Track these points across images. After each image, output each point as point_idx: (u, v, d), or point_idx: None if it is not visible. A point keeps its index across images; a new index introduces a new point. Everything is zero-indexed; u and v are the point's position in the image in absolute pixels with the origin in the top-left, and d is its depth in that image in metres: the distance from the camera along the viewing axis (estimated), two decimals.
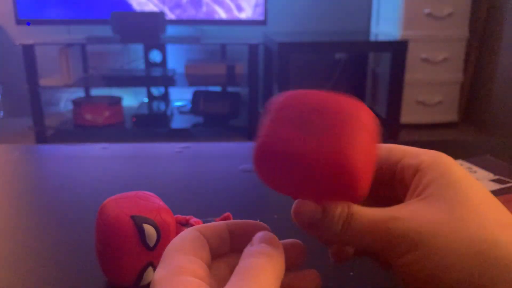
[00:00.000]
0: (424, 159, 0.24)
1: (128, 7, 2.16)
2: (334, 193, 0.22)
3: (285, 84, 2.01)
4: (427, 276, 0.21)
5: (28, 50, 1.99)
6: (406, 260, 0.22)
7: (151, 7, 2.16)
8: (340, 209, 0.22)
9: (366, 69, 2.55)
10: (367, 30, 2.50)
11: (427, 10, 2.17)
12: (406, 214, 0.22)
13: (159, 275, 0.20)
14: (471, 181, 0.23)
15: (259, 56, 2.14)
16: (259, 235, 0.22)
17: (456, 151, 0.53)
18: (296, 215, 0.23)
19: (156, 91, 2.42)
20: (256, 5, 2.18)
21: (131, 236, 0.27)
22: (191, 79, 2.21)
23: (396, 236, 0.22)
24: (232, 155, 0.56)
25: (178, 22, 2.19)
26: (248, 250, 0.21)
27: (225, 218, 0.33)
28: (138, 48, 2.43)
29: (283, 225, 0.37)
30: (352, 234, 0.22)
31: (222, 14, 2.18)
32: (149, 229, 0.27)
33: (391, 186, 0.25)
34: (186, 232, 0.23)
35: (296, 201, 0.23)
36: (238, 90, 2.29)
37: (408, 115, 2.27)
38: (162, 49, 2.32)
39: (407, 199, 0.24)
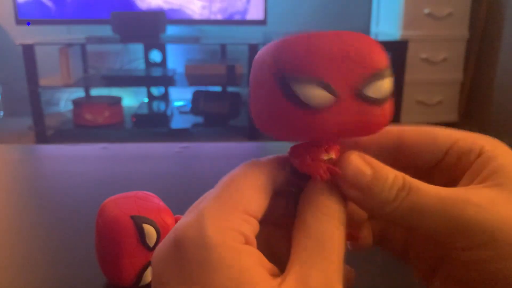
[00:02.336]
0: (485, 144, 0.21)
1: (128, 7, 2.16)
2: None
3: None
4: (500, 279, 0.18)
5: (28, 50, 1.99)
6: (478, 256, 0.18)
7: (152, 4, 2.16)
8: (393, 175, 0.19)
9: None
10: (367, 30, 2.50)
11: (427, 10, 2.17)
12: (484, 200, 0.18)
13: (211, 231, 0.16)
14: None
15: None
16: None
17: None
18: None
19: (156, 91, 2.42)
20: (256, 5, 2.18)
21: (131, 236, 0.27)
22: (191, 79, 2.21)
23: (472, 224, 0.18)
24: (232, 155, 0.56)
25: (178, 22, 2.19)
26: (317, 201, 0.19)
27: None
28: (138, 48, 2.43)
29: None
30: (408, 208, 0.18)
31: (222, 14, 2.18)
32: (149, 229, 0.27)
33: (429, 172, 0.22)
34: (252, 169, 0.20)
35: (342, 156, 0.20)
36: (238, 90, 2.29)
37: (408, 115, 2.27)
38: (162, 49, 2.32)
39: (464, 184, 0.20)
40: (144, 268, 0.28)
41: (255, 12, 2.19)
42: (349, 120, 0.18)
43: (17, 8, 2.09)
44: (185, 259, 0.16)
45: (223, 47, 2.37)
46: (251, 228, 0.18)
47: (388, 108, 0.19)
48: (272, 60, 0.18)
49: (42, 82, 2.08)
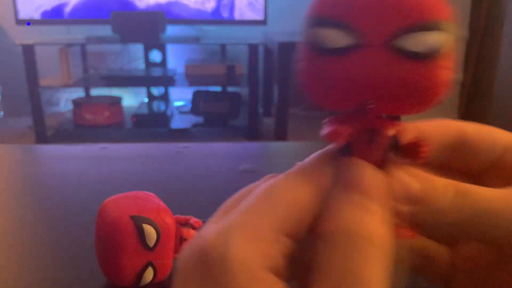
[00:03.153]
0: None
1: (128, 7, 2.16)
2: None
3: (285, 84, 2.01)
4: None
5: (28, 50, 1.99)
6: None
7: (151, 4, 2.16)
8: (442, 182, 0.17)
9: None
10: None
11: None
12: None
13: (240, 253, 0.15)
14: None
15: (259, 56, 2.14)
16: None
17: None
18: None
19: (156, 91, 2.42)
20: (255, 5, 2.18)
21: (130, 236, 0.27)
22: (191, 79, 2.21)
23: None
24: (232, 155, 0.56)
25: (178, 22, 2.19)
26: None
27: None
28: (138, 48, 2.43)
29: None
30: (470, 214, 0.17)
31: (222, 14, 2.18)
32: (148, 229, 0.27)
33: (483, 174, 0.21)
34: (294, 179, 0.17)
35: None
36: (238, 90, 2.29)
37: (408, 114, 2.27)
38: (162, 49, 2.32)
39: None
40: (144, 268, 0.28)
41: (255, 12, 2.18)
42: (379, 73, 0.16)
43: (17, 8, 2.09)
44: (207, 278, 0.15)
45: (223, 47, 2.37)
46: (283, 249, 0.16)
47: (436, 68, 0.16)
48: (308, 9, 0.17)
49: (42, 82, 2.07)
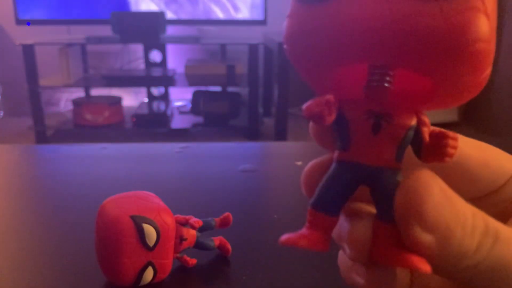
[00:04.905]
0: None
1: (128, 7, 2.16)
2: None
3: (285, 84, 2.01)
4: None
5: (28, 50, 1.99)
6: None
7: (151, 7, 2.16)
8: (471, 213, 0.13)
9: None
10: None
11: None
12: None
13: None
14: None
15: (259, 56, 2.14)
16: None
17: None
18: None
19: (156, 91, 2.42)
20: (256, 5, 2.18)
21: (130, 236, 0.27)
22: (191, 79, 2.21)
23: None
24: (232, 155, 0.56)
25: (178, 22, 2.19)
26: None
27: (225, 218, 0.33)
28: (138, 48, 2.43)
29: (283, 225, 0.37)
30: (495, 263, 0.13)
31: (222, 14, 2.18)
32: (148, 229, 0.27)
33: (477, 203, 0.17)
34: None
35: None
36: (238, 90, 2.29)
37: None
38: (162, 49, 2.32)
39: None
40: (144, 268, 0.28)
41: (255, 12, 2.18)
42: (379, 16, 0.12)
43: (17, 8, 2.09)
44: None
45: (223, 47, 2.37)
46: None
47: (461, 8, 0.11)
48: None
49: (42, 82, 2.07)
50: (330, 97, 0.13)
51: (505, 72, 2.15)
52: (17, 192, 0.46)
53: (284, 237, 0.15)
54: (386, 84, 0.14)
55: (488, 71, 0.13)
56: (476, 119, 2.37)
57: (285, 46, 0.14)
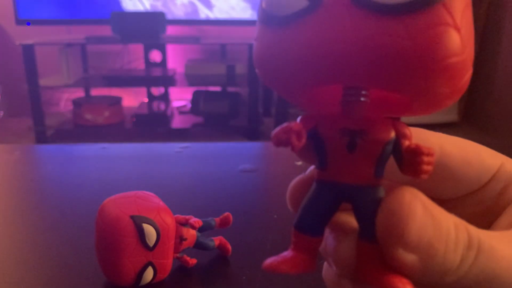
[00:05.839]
0: None
1: (128, 7, 2.16)
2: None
3: None
4: None
5: (28, 50, 1.99)
6: None
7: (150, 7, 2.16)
8: (453, 224, 0.13)
9: None
10: None
11: None
12: None
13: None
14: None
15: None
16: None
17: None
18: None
19: (156, 91, 2.42)
20: (256, 5, 2.18)
21: (130, 236, 0.27)
22: (191, 79, 2.21)
23: None
24: (232, 155, 0.56)
25: (178, 22, 2.19)
26: None
27: (225, 218, 0.33)
28: (138, 48, 2.42)
29: (283, 225, 0.37)
30: (477, 276, 0.13)
31: (221, 14, 2.18)
32: (148, 229, 0.27)
33: (461, 201, 0.17)
34: None
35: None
36: (238, 90, 2.29)
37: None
38: (162, 49, 2.32)
39: (507, 221, 0.16)
40: (144, 268, 0.28)
41: (255, 12, 2.18)
42: (345, 37, 0.11)
43: (17, 8, 2.09)
44: None
45: (223, 47, 2.37)
46: None
47: (427, 24, 0.11)
48: None
49: (42, 82, 2.07)
50: (296, 124, 0.13)
51: (505, 72, 2.15)
52: (17, 192, 0.46)
53: (267, 261, 0.14)
54: (362, 99, 0.13)
55: (466, 77, 0.12)
56: (477, 119, 2.37)
57: (256, 70, 0.14)
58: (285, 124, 0.13)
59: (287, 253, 0.15)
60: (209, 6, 2.17)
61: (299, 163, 0.51)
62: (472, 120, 2.40)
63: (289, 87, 0.13)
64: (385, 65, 0.11)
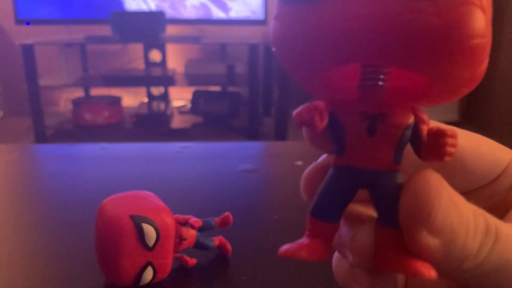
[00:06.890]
0: None
1: (128, 6, 2.15)
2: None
3: (285, 84, 2.01)
4: None
5: (28, 50, 1.99)
6: None
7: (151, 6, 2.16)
8: (472, 212, 0.13)
9: None
10: None
11: None
12: None
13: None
14: None
15: (259, 56, 2.14)
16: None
17: None
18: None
19: (156, 91, 2.42)
20: (256, 5, 2.18)
21: (130, 236, 0.27)
22: (191, 79, 2.21)
23: None
24: (232, 155, 0.56)
25: (178, 22, 2.19)
26: None
27: (225, 218, 0.33)
28: (138, 48, 2.42)
29: (283, 225, 0.37)
30: (496, 264, 0.13)
31: (221, 14, 2.18)
32: (148, 229, 0.27)
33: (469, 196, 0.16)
34: None
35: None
36: (238, 90, 2.29)
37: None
38: (162, 48, 2.32)
39: None
40: (144, 268, 0.28)
41: (255, 12, 2.18)
42: (367, 12, 0.11)
43: (16, 8, 2.09)
44: None
45: (223, 46, 2.37)
46: None
47: (449, 4, 0.11)
48: None
49: (42, 81, 2.07)
50: (320, 103, 0.13)
51: (506, 71, 2.15)
52: (16, 192, 0.46)
53: (284, 248, 0.14)
54: (380, 83, 0.13)
55: (485, 64, 0.12)
56: (477, 119, 2.37)
57: (273, 49, 0.14)
58: (307, 104, 0.13)
59: (303, 240, 0.15)
60: (224, 9, 2.16)
61: (299, 163, 0.51)
62: (472, 120, 2.40)
63: (309, 67, 0.13)
64: (412, 42, 0.11)
